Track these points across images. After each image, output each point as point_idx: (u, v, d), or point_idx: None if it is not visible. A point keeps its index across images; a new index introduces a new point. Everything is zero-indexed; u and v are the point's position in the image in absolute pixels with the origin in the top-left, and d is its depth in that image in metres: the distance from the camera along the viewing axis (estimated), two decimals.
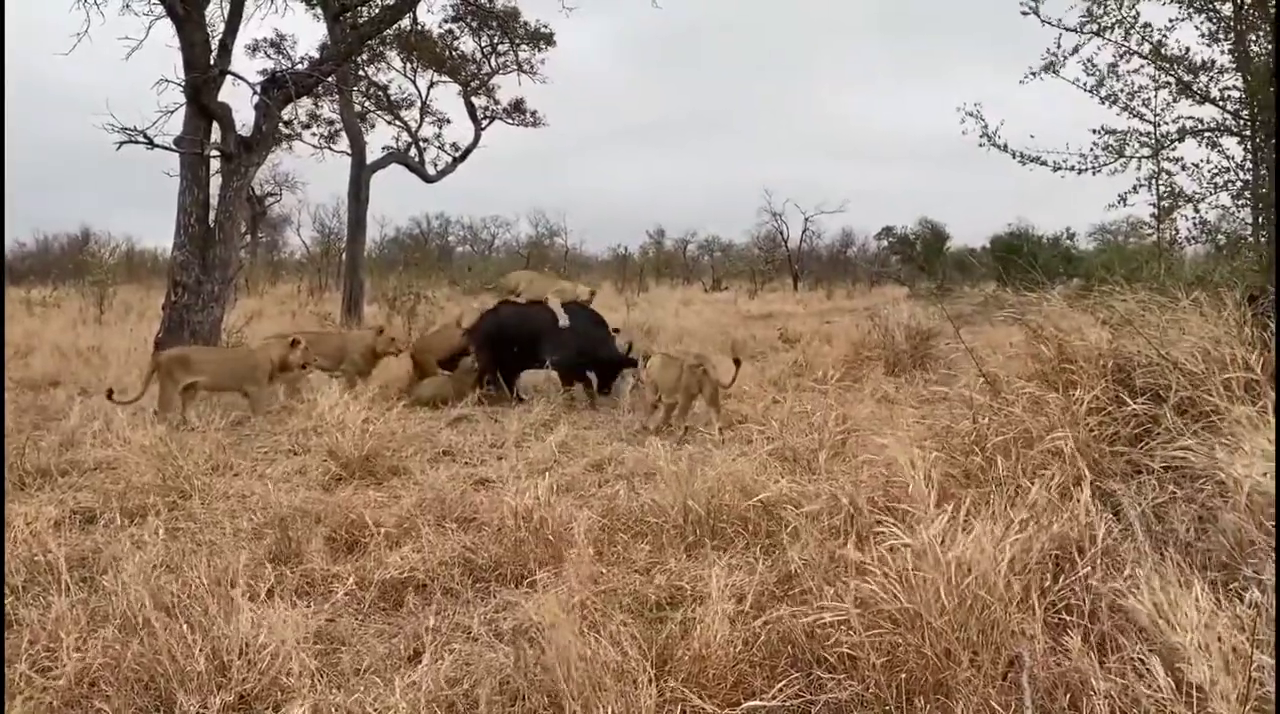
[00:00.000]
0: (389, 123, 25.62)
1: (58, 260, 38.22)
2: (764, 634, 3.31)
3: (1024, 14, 8.05)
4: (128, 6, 14.03)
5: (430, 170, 24.70)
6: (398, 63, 24.67)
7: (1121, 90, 8.03)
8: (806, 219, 50.95)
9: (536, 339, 11.04)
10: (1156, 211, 8.17)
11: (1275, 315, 4.67)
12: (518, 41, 23.43)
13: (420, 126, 25.36)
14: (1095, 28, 7.98)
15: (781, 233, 51.35)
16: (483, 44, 24.15)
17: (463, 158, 24.90)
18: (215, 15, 13.45)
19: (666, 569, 4.44)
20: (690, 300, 32.46)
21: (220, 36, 13.15)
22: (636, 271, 48.35)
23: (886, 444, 5.00)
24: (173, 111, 12.85)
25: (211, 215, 12.86)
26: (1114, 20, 7.92)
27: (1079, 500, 3.68)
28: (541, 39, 23.60)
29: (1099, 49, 8.12)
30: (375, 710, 3.03)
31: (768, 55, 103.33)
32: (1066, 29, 8.07)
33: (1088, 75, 8.18)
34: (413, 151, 24.81)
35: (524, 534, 4.89)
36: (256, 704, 3.16)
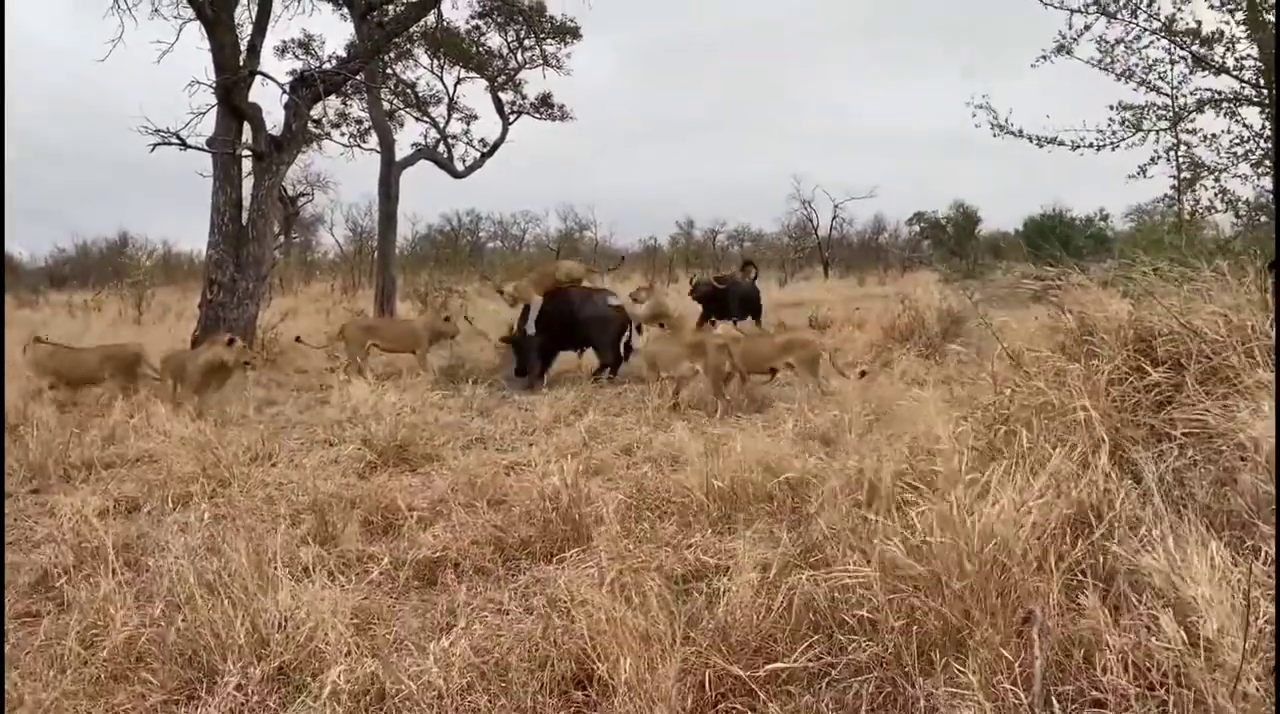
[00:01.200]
0: (417, 120, 25.77)
1: (97, 264, 38.96)
2: (787, 600, 3.38)
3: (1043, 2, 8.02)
4: (157, 11, 14.25)
5: (459, 166, 24.82)
6: (425, 60, 24.82)
7: (1137, 65, 7.99)
8: (836, 206, 50.70)
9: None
10: (1176, 183, 8.11)
11: (1274, 298, 4.66)
12: (544, 36, 23.51)
13: (448, 123, 25.49)
14: (1100, 9, 7.94)
15: (811, 220, 51.19)
16: (509, 39, 24.25)
17: (490, 153, 25.01)
18: (244, 17, 13.69)
19: (693, 545, 4.52)
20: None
21: (249, 38, 13.38)
22: (666, 262, 48.43)
23: (916, 421, 5.08)
24: (204, 113, 13.10)
25: (245, 214, 13.09)
26: (1121, 3, 7.88)
27: (1098, 467, 3.71)
28: (568, 33, 23.66)
29: (1108, 26, 8.08)
30: (409, 677, 3.13)
31: (787, 54, 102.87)
32: (1073, 10, 8.04)
33: (1100, 53, 8.16)
34: (441, 148, 24.94)
35: (553, 515, 4.98)
36: (295, 674, 3.28)
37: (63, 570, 4.48)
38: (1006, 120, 8.20)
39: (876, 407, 7.33)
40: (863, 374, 8.51)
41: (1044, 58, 8.22)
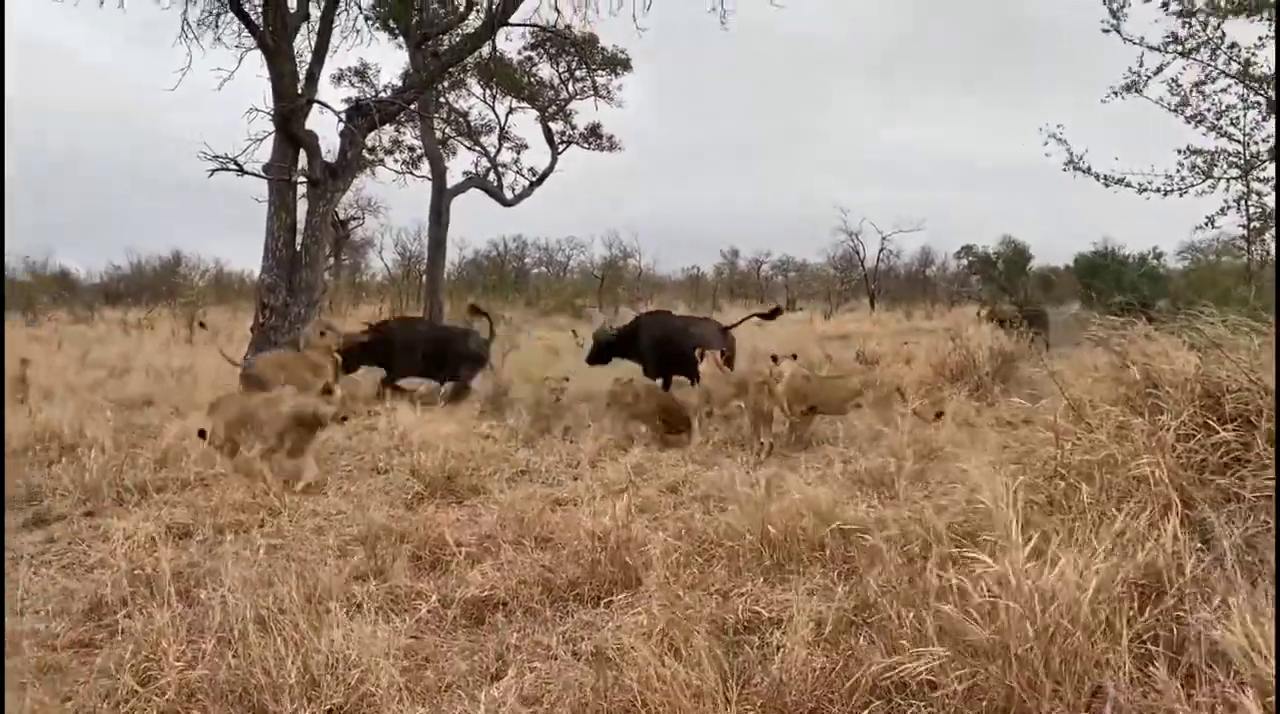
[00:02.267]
0: (469, 148, 26.13)
1: (150, 282, 39.71)
2: (844, 659, 3.31)
3: (1104, 32, 7.91)
4: (220, 40, 14.60)
5: (508, 195, 25.10)
6: (478, 89, 25.18)
7: (1208, 110, 7.84)
8: (883, 238, 50.32)
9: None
10: (1246, 233, 7.94)
11: (1276, 329, 4.53)
12: (595, 67, 23.74)
13: (499, 152, 25.80)
14: (1180, 49, 7.81)
15: (858, 252, 50.89)
16: (560, 70, 24.53)
17: (539, 182, 25.27)
18: (303, 46, 13.95)
19: (744, 594, 4.45)
20: (765, 321, 32.30)
21: (308, 67, 13.63)
22: (710, 292, 48.40)
23: (967, 469, 4.98)
24: (261, 140, 13.34)
25: (298, 240, 13.28)
26: (1199, 41, 7.74)
27: (1166, 529, 3.61)
28: (618, 64, 23.89)
29: (1183, 69, 7.96)
30: None
31: (833, 84, 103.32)
32: (1150, 48, 7.92)
33: (1172, 95, 8.02)
34: (491, 176, 25.24)
35: (600, 555, 4.94)
36: None
37: (118, 600, 4.50)
38: (1080, 158, 8.08)
39: (927, 450, 7.21)
40: (938, 416, 8.37)
41: (1114, 94, 8.11)
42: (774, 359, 9.90)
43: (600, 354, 13.53)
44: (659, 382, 12.65)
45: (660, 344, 12.79)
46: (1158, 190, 7.95)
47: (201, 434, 7.57)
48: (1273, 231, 7.68)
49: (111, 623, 4.46)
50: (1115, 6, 7.69)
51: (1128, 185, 8.00)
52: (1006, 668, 2.98)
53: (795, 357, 10.05)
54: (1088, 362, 8.71)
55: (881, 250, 50.76)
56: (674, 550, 5.14)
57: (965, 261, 49.88)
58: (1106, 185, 8.02)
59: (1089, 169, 8.11)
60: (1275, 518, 3.66)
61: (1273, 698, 2.55)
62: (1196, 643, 3.04)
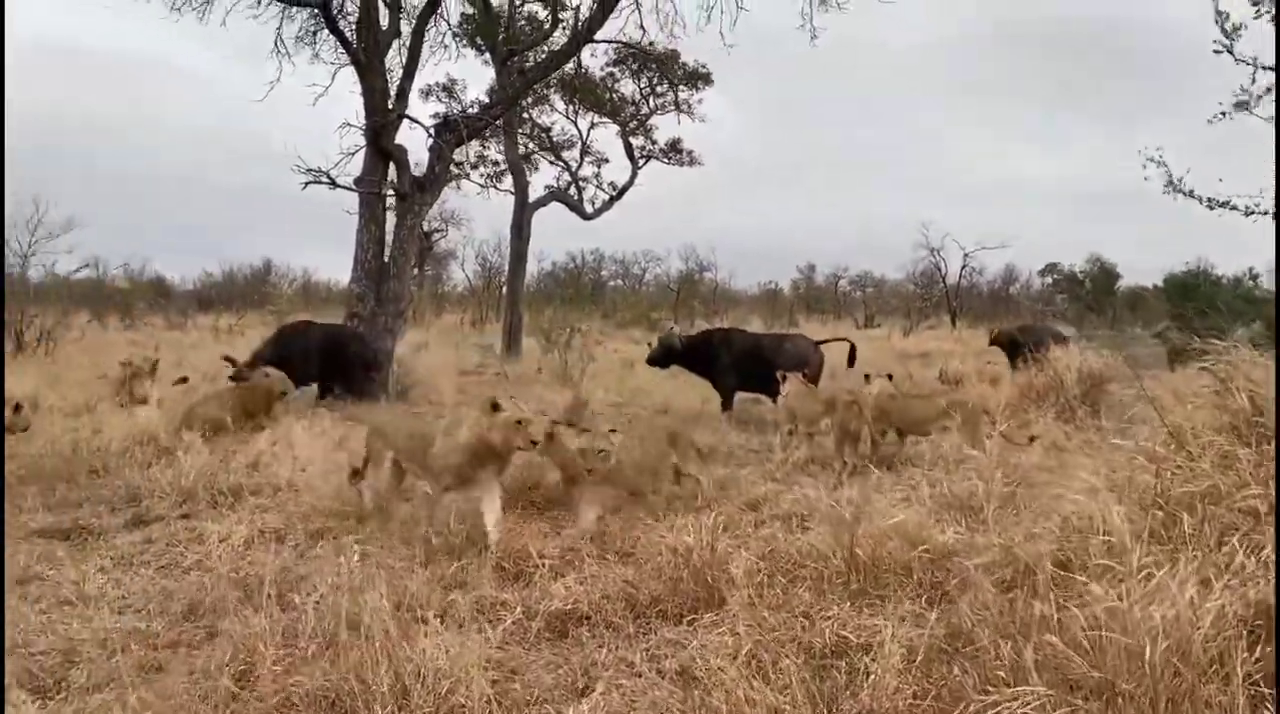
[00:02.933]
0: (551, 163, 26.47)
1: (242, 290, 40.93)
2: (936, 689, 3.24)
3: (1216, 53, 7.67)
4: (317, 56, 15.02)
5: (588, 208, 25.34)
6: (561, 105, 25.49)
7: None
8: (966, 255, 49.40)
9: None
10: None
11: (1276, 341, 4.31)
12: (676, 82, 23.85)
13: (580, 166, 26.09)
14: None
15: (939, 268, 50.05)
16: (642, 85, 24.70)
17: (619, 196, 25.48)
18: (393, 62, 14.28)
19: (829, 616, 4.39)
20: (842, 337, 31.98)
21: (398, 83, 13.93)
22: (786, 307, 48.10)
23: (1062, 495, 4.85)
24: (353, 154, 13.68)
25: (386, 251, 13.57)
26: None
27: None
28: (699, 79, 23.96)
29: None
30: None
31: (912, 103, 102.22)
32: (1264, 68, 7.64)
33: None
34: (572, 190, 25.52)
35: (683, 573, 4.92)
36: None
37: (214, 602, 4.63)
38: (1180, 180, 7.84)
39: (1016, 475, 7.04)
40: (1032, 440, 8.17)
41: (1222, 114, 7.85)
42: (866, 378, 9.78)
43: (662, 358, 13.59)
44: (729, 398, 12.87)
45: (746, 359, 12.74)
46: (1265, 212, 7.65)
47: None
48: None
49: (209, 624, 4.60)
50: (1229, 27, 7.44)
51: (1233, 208, 7.73)
52: (1111, 707, 2.89)
53: (891, 377, 9.94)
54: (1180, 384, 8.46)
55: (964, 267, 49.89)
56: (757, 570, 5.11)
57: (1050, 280, 48.88)
58: (1210, 208, 7.76)
59: (1191, 192, 7.85)
60: (1275, 518, 3.49)
61: None
62: None
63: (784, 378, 10.05)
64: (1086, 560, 4.08)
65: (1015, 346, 17.07)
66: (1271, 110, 7.68)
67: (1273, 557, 3.51)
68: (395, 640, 3.67)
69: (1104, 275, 42.15)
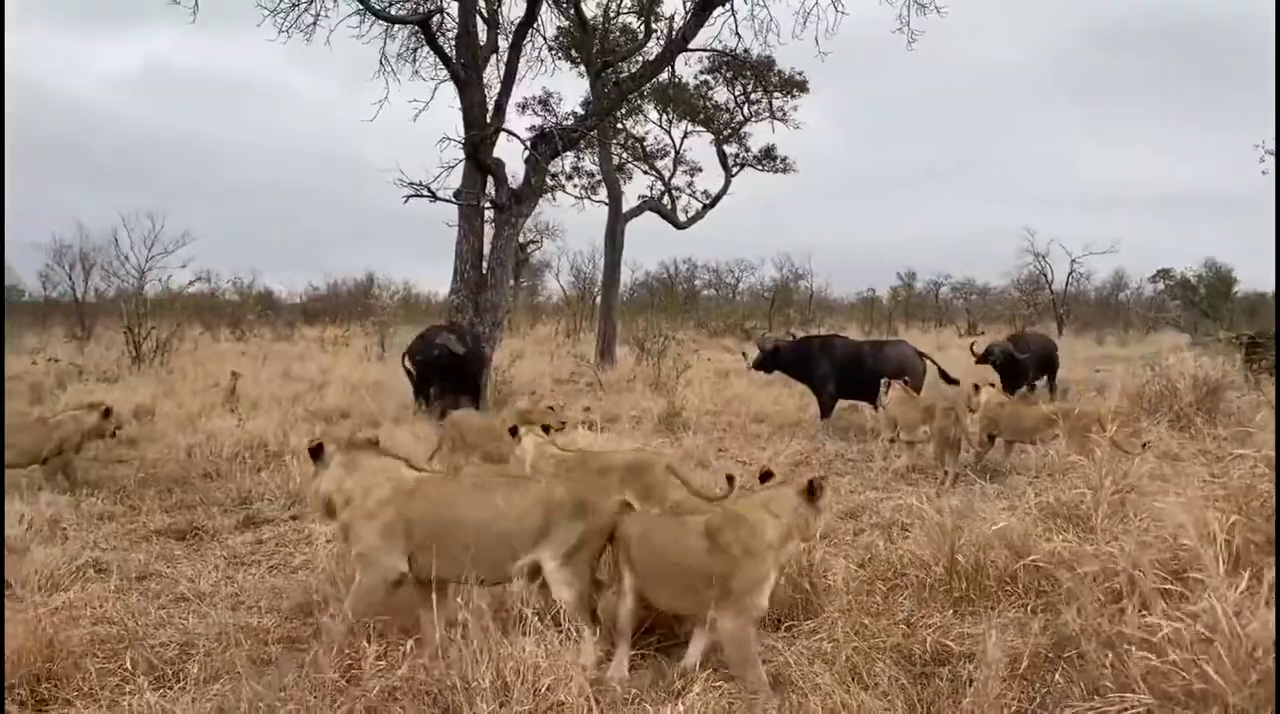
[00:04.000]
0: (644, 173, 26.59)
1: (345, 302, 42.13)
2: (1041, 699, 3.17)
3: None
4: (418, 73, 15.43)
5: (681, 217, 25.37)
6: (654, 114, 25.59)
7: None
8: (1073, 260, 47.87)
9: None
10: None
11: (1276, 335, 4.01)
12: (771, 89, 23.76)
13: (673, 175, 26.15)
14: None
15: (1045, 274, 48.62)
16: (736, 93, 24.65)
17: (713, 204, 25.44)
18: (491, 77, 14.57)
19: (931, 624, 4.31)
20: (944, 345, 31.40)
21: (495, 97, 14.21)
22: (885, 315, 47.34)
23: (1171, 505, 4.68)
24: (452, 167, 13.98)
25: (484, 263, 13.83)
26: None
27: None
28: (795, 86, 23.82)
29: None
30: None
31: (1011, 111, 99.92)
32: None
33: None
34: (665, 199, 25.58)
35: (780, 579, 4.89)
36: None
37: (322, 600, 4.77)
38: None
39: (1126, 484, 6.81)
40: (1145, 446, 7.90)
41: None
42: (975, 387, 9.59)
43: (764, 363, 13.55)
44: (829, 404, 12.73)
45: (848, 365, 12.62)
46: None
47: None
48: None
49: (316, 621, 4.75)
50: None
51: None
52: None
53: (994, 384, 9.74)
54: None
55: (1071, 273, 48.36)
56: (856, 577, 5.06)
57: (1161, 285, 47.02)
58: None
59: None
60: (1275, 516, 3.28)
61: None
62: None
63: (888, 385, 9.92)
64: (1198, 571, 3.93)
65: (1013, 364, 14.62)
66: None
67: None
68: (496, 639, 3.73)
69: (1219, 280, 40.38)
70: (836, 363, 12.67)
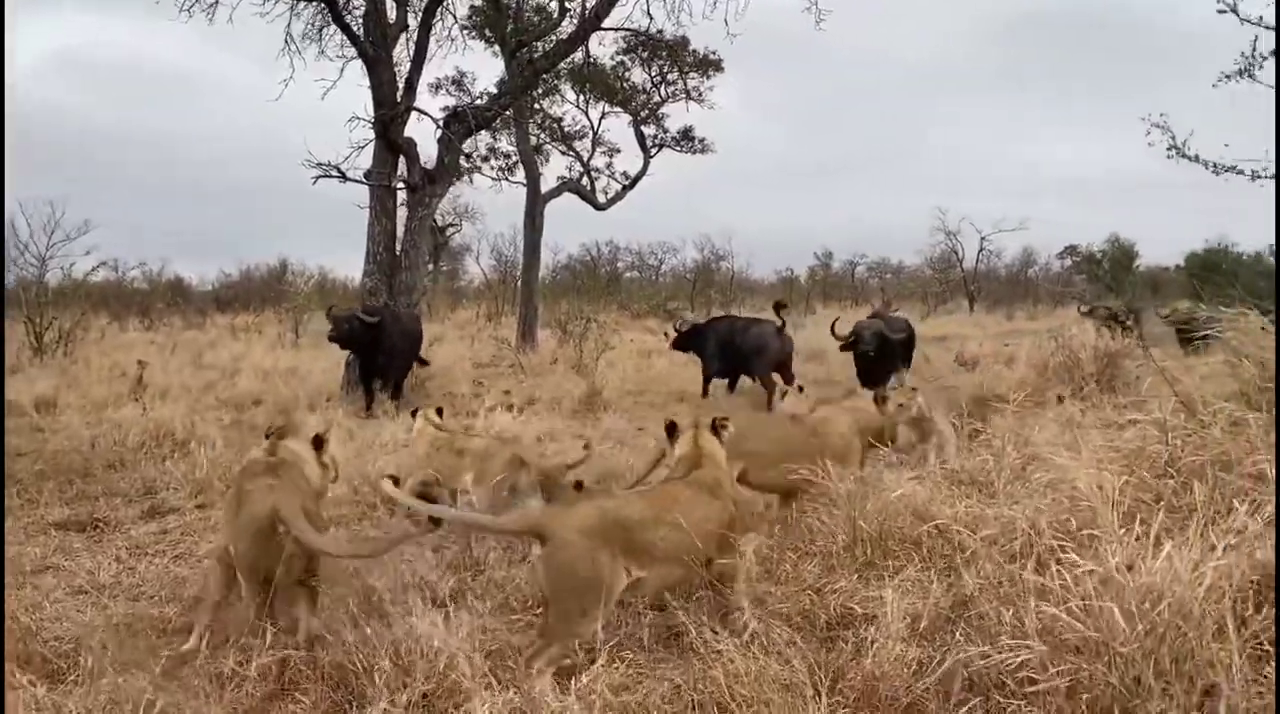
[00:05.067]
0: (563, 153, 26.44)
1: (259, 289, 41.13)
2: (940, 657, 3.23)
3: (1220, 13, 7.54)
4: (323, 52, 15.06)
5: (601, 198, 25.30)
6: (571, 95, 25.44)
7: None
8: (983, 238, 49.07)
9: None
10: None
11: (1276, 325, 4.25)
12: (686, 70, 23.79)
13: (592, 156, 26.04)
14: None
15: (956, 252, 49.73)
16: (653, 74, 24.63)
17: (632, 186, 25.42)
18: (401, 55, 14.29)
19: (837, 590, 4.38)
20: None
21: (406, 75, 13.96)
22: (803, 295, 47.91)
23: (1069, 466, 4.81)
24: (363, 147, 13.71)
25: (398, 245, 13.61)
26: None
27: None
28: (710, 66, 23.88)
29: None
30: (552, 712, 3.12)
31: (922, 101, 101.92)
32: (1267, 28, 7.51)
33: None
34: (584, 180, 25.47)
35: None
36: (439, 702, 3.31)
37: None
38: (1184, 143, 7.72)
39: (1030, 451, 6.99)
40: (1061, 399, 8.09)
41: (1225, 78, 7.72)
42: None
43: (679, 343, 14.30)
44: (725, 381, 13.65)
45: (724, 343, 13.46)
46: (1273, 177, 7.53)
47: None
48: None
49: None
50: None
51: (1239, 172, 7.61)
52: (1111, 667, 2.87)
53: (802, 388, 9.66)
54: (1196, 359, 8.37)
55: (981, 251, 49.55)
56: (765, 547, 5.10)
57: (1068, 261, 48.48)
58: (1216, 173, 7.64)
59: (1196, 157, 7.74)
60: (1275, 514, 3.45)
61: None
62: None
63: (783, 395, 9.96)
64: (1094, 530, 4.05)
65: (884, 345, 12.27)
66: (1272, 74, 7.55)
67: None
68: (397, 621, 3.69)
69: (1122, 254, 41.76)
70: (719, 342, 13.50)
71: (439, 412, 6.79)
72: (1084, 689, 2.87)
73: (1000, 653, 3.03)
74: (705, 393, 13.49)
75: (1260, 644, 2.96)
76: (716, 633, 3.42)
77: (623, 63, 24.30)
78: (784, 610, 4.10)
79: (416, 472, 6.14)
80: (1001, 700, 3.00)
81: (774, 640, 3.36)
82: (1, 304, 16.53)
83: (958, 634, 3.37)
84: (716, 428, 4.73)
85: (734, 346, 13.27)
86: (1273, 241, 32.81)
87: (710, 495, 4.27)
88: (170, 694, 3.39)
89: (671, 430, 4.80)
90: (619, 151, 26.64)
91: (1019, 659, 3.00)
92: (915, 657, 3.26)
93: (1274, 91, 6.91)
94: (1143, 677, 2.83)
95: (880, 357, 12.15)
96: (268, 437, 4.91)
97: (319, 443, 4.89)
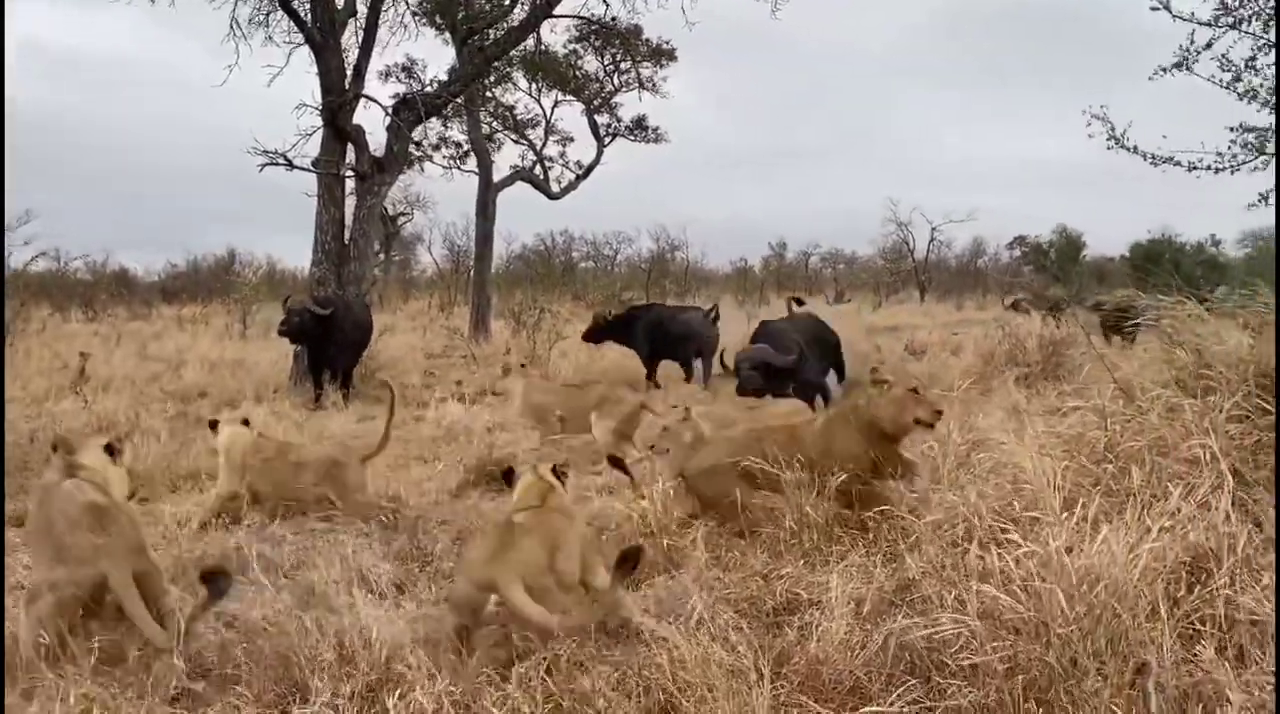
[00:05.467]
0: (515, 142, 26.26)
1: (206, 280, 40.45)
2: (882, 640, 3.27)
3: (1153, 9, 7.69)
4: (270, 38, 14.81)
5: (554, 188, 25.18)
6: (523, 83, 25.27)
7: (1261, 85, 7.57)
8: (934, 229, 49.69)
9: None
10: None
11: (1276, 323, 4.38)
12: (640, 59, 23.73)
13: (545, 145, 25.89)
14: (1231, 20, 7.55)
15: (908, 243, 50.30)
16: (605, 62, 24.54)
17: (586, 175, 25.32)
18: (350, 42, 14.10)
19: (784, 576, 4.42)
20: (814, 313, 32.17)
21: (355, 62, 13.78)
22: (757, 285, 48.14)
23: (1012, 451, 4.89)
24: (310, 135, 13.53)
25: (347, 233, 13.45)
26: (1251, 12, 7.48)
27: (1218, 509, 3.52)
28: (663, 55, 23.84)
29: (1235, 43, 7.69)
30: (493, 703, 3.11)
31: (878, 93, 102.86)
32: (1201, 23, 7.67)
33: (1223, 71, 7.75)
34: (538, 170, 25.33)
35: (642, 539, 4.93)
36: (383, 693, 3.28)
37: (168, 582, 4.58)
38: (1123, 134, 7.86)
39: (974, 437, 7.10)
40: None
41: (1163, 71, 7.86)
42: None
43: (595, 333, 14.81)
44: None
45: (652, 331, 13.97)
46: (1209, 168, 7.70)
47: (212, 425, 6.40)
48: None
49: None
50: None
51: (1176, 163, 7.77)
52: (1048, 647, 2.92)
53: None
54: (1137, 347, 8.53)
55: (932, 241, 50.19)
56: (715, 535, 5.14)
57: (1017, 252, 49.22)
58: (1154, 164, 7.80)
59: (1135, 148, 7.89)
60: (1275, 509, 3.55)
61: None
62: (1247, 624, 2.96)
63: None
64: (1036, 514, 4.12)
65: (773, 372, 9.35)
66: (1213, 68, 7.72)
67: (1211, 501, 3.55)
68: (341, 613, 3.65)
69: (1069, 245, 42.49)
70: (647, 330, 14.05)
71: (245, 422, 6.41)
72: (1021, 669, 2.92)
73: (940, 632, 3.08)
74: (652, 378, 13.83)
75: (1191, 624, 3.03)
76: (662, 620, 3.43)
77: (575, 51, 24.18)
78: (731, 597, 4.13)
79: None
80: (941, 681, 3.05)
81: (720, 626, 3.37)
82: (1, 300, 16.05)
83: (900, 616, 3.41)
84: (558, 472, 4.43)
85: (665, 333, 13.88)
86: (1214, 233, 33.59)
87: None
88: (105, 688, 3.31)
89: (509, 476, 4.54)
90: (572, 140, 26.56)
91: (959, 640, 3.04)
92: (859, 640, 3.29)
93: (1274, 91, 7.03)
94: (1078, 657, 2.89)
95: (774, 378, 9.42)
96: (54, 449, 4.40)
97: (111, 450, 4.51)
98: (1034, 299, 15.35)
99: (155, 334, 22.15)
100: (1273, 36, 7.50)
